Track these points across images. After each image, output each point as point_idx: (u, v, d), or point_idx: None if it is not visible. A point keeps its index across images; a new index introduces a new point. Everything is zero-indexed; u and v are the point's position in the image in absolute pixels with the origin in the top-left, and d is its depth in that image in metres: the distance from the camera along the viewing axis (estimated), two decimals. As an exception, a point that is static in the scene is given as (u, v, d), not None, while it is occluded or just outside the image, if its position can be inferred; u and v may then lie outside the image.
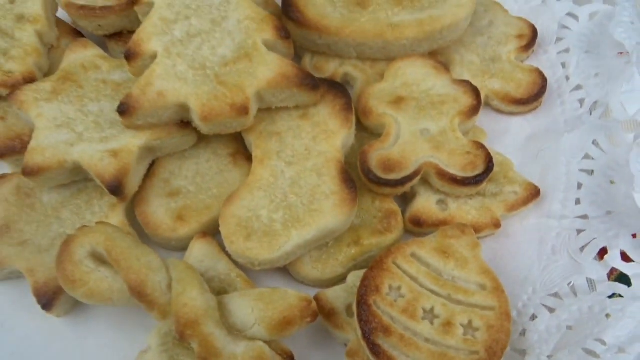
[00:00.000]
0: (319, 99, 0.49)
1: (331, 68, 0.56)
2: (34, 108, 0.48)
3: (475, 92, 0.51)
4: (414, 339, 0.40)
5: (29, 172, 0.46)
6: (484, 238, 0.50)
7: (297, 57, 0.57)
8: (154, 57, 0.46)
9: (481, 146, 0.48)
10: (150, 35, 0.47)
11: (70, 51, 0.51)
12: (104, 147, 0.46)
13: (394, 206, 0.49)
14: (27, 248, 0.47)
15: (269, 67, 0.46)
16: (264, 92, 0.46)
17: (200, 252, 0.47)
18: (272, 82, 0.46)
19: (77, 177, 0.49)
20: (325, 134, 0.48)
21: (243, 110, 0.45)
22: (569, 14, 0.59)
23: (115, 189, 0.46)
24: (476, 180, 0.47)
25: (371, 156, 0.48)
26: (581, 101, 0.55)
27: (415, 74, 0.52)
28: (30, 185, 0.49)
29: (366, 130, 0.52)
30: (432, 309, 0.41)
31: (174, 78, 0.45)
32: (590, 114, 0.53)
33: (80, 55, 0.51)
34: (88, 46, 0.51)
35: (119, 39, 0.57)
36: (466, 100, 0.50)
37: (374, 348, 0.40)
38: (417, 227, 0.49)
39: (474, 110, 0.50)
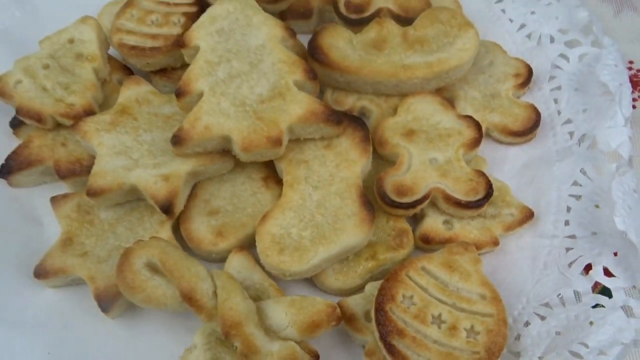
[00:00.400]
0: (341, 131, 0.56)
1: (350, 102, 0.63)
2: (95, 137, 0.55)
3: (477, 126, 0.58)
4: (424, 340, 0.47)
5: (92, 193, 0.53)
6: (484, 254, 0.56)
7: (320, 92, 0.65)
8: (200, 95, 0.54)
9: (482, 174, 0.55)
10: (197, 76, 0.54)
11: (126, 87, 0.58)
12: (157, 172, 0.54)
13: (406, 225, 0.56)
14: (88, 258, 0.54)
15: (300, 104, 0.53)
16: (295, 126, 0.53)
17: (237, 263, 0.54)
18: (302, 117, 0.53)
19: (131, 197, 0.56)
20: (346, 162, 0.55)
21: (277, 142, 0.52)
22: (561, 55, 0.65)
23: (167, 208, 0.53)
24: (478, 204, 0.54)
25: (386, 182, 0.55)
26: (571, 134, 0.61)
27: (424, 110, 0.59)
28: (90, 203, 0.56)
29: (382, 158, 0.59)
30: (439, 315, 0.48)
31: (218, 114, 0.53)
32: (579, 145, 0.59)
33: (134, 91, 0.58)
34: (141, 83, 0.59)
35: (164, 74, 0.64)
36: (469, 134, 0.57)
37: (390, 348, 0.46)
38: (426, 244, 0.56)
39: (476, 142, 0.57)
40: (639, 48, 0.70)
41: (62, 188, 0.60)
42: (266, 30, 0.57)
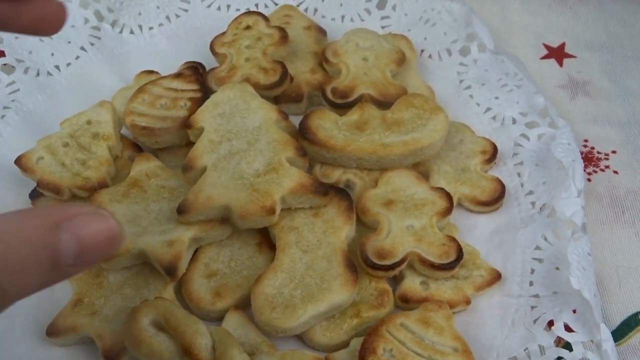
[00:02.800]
0: (328, 201, 0.63)
1: (336, 175, 0.70)
2: (108, 207, 0.62)
3: (448, 197, 0.65)
4: (403, 390, 0.51)
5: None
6: (457, 312, 0.62)
7: (310, 167, 0.73)
8: (204, 170, 0.61)
9: (453, 239, 0.62)
10: (201, 153, 0.62)
11: (137, 163, 0.65)
12: (163, 238, 0.60)
13: (387, 286, 0.62)
14: (96, 318, 0.59)
15: (291, 178, 0.61)
16: (287, 197, 0.61)
17: (234, 321, 0.59)
18: (293, 189, 0.60)
19: (138, 261, 0.62)
20: (333, 229, 0.62)
21: (271, 210, 0.59)
22: (522, 135, 0.73)
23: (171, 271, 0.59)
24: (449, 266, 0.60)
25: (368, 246, 0.62)
26: (533, 203, 0.68)
27: (402, 182, 0.67)
28: (100, 266, 0.62)
29: (364, 225, 0.66)
30: (416, 367, 0.53)
31: (219, 186, 0.60)
32: (540, 213, 0.66)
33: (145, 167, 0.65)
34: (150, 159, 0.66)
35: (170, 151, 0.71)
36: (441, 204, 0.65)
37: (372, 397, 0.51)
38: (405, 303, 0.61)
39: (447, 211, 0.64)
40: (593, 128, 0.79)
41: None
42: (262, 113, 0.66)
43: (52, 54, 0.83)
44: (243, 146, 0.62)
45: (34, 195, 0.68)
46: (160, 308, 0.55)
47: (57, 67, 0.83)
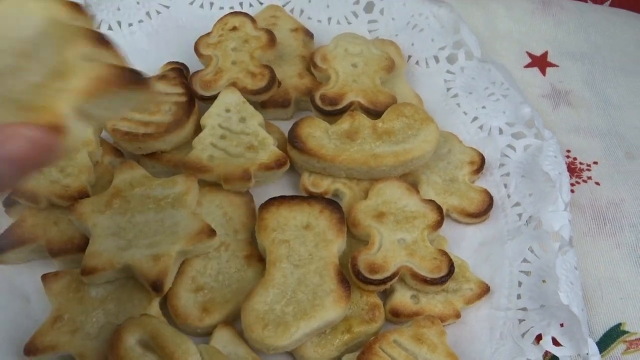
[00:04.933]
0: (153, 92, 0.43)
1: (325, 185, 0.69)
2: (90, 219, 0.59)
3: (439, 210, 0.65)
4: (398, 409, 0.51)
5: (86, 273, 0.56)
6: (447, 326, 0.62)
7: (297, 175, 0.71)
8: None
9: (445, 253, 0.62)
10: None
11: (120, 171, 0.63)
12: (149, 251, 0.57)
13: (378, 300, 0.61)
14: (77, 335, 0.56)
15: (83, 74, 0.39)
16: (84, 105, 0.39)
17: (223, 338, 0.57)
18: (89, 89, 0.38)
19: (121, 275, 0.59)
20: (324, 242, 0.61)
21: (58, 129, 0.37)
22: (509, 146, 0.73)
23: (157, 287, 0.56)
24: (441, 281, 0.60)
25: (360, 260, 0.61)
26: (519, 215, 0.68)
27: (392, 194, 0.66)
28: (80, 281, 0.59)
29: (354, 237, 0.65)
30: (410, 385, 0.53)
31: None
32: (527, 225, 0.66)
33: (128, 175, 0.63)
34: (134, 167, 0.63)
35: (153, 156, 0.69)
36: (432, 217, 0.64)
37: (367, 417, 0.51)
38: (396, 317, 0.61)
39: (438, 224, 0.64)
40: (575, 138, 0.81)
41: (49, 263, 0.63)
42: (40, 13, 0.41)
43: (24, 52, 0.78)
44: (8, 61, 0.39)
45: (9, 203, 0.64)
46: (147, 326, 0.53)
47: (29, 65, 0.78)
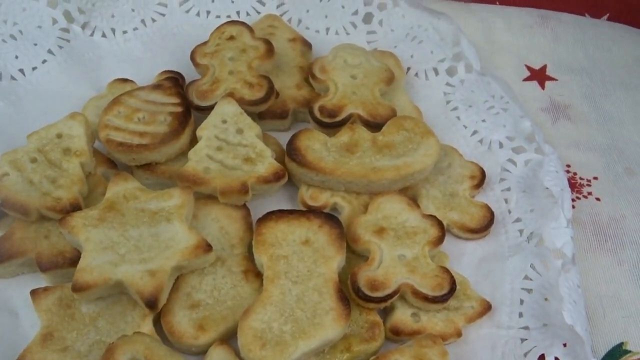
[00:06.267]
0: None
1: (324, 198, 0.68)
2: (82, 232, 0.57)
3: (440, 225, 0.64)
4: None
5: (78, 289, 0.54)
6: (448, 345, 0.60)
7: (295, 188, 0.70)
8: None
9: (446, 270, 0.61)
10: None
11: (114, 184, 0.61)
12: (143, 267, 0.56)
13: (377, 318, 0.59)
14: (68, 353, 0.54)
15: None
16: None
17: (218, 357, 0.55)
18: None
19: (114, 291, 0.57)
20: (324, 259, 0.59)
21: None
22: (509, 160, 0.72)
23: (152, 304, 0.55)
24: (443, 299, 0.59)
25: (360, 276, 0.59)
26: (521, 231, 0.67)
27: (392, 209, 0.65)
28: (71, 297, 0.57)
29: (353, 253, 0.64)
30: (412, 408, 0.51)
31: None
32: (528, 242, 0.65)
33: (122, 187, 0.61)
34: (128, 179, 0.61)
35: (147, 168, 0.67)
36: (433, 232, 0.63)
37: None
38: (396, 335, 0.59)
39: (439, 240, 0.63)
40: (575, 153, 0.80)
41: (38, 278, 0.61)
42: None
43: (16, 57, 0.76)
44: None
45: (-2, 215, 0.62)
46: (140, 345, 0.51)
47: (21, 71, 0.76)
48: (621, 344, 0.63)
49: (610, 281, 0.68)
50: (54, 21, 0.80)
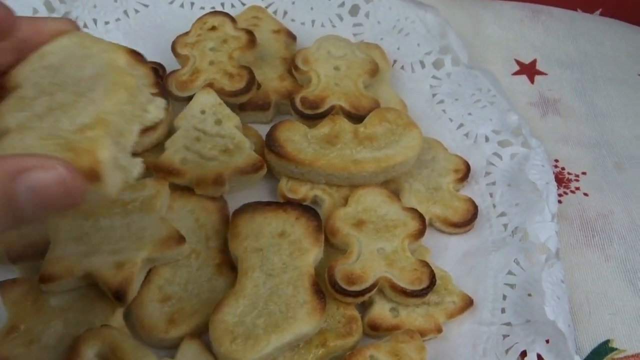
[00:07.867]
0: None
1: (303, 191, 0.66)
2: (52, 222, 0.56)
3: (421, 218, 0.62)
4: None
5: (45, 280, 0.53)
6: (428, 341, 0.59)
7: (275, 180, 0.69)
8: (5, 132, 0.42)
9: (426, 264, 0.59)
10: (3, 114, 0.43)
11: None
12: (112, 258, 0.54)
13: (355, 313, 0.58)
14: (34, 347, 0.52)
15: None
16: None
17: (190, 351, 0.54)
18: None
19: (83, 283, 0.56)
20: (300, 251, 0.58)
21: (95, 175, 0.39)
22: (495, 154, 0.71)
23: (120, 296, 0.53)
24: (422, 293, 0.57)
25: (337, 270, 0.58)
26: (505, 225, 0.66)
27: (373, 201, 0.63)
28: (39, 289, 0.56)
29: (332, 245, 0.62)
30: (386, 404, 0.50)
31: (19, 150, 0.40)
32: (512, 236, 0.64)
33: (94, 178, 0.59)
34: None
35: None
36: (414, 225, 0.62)
37: None
38: (374, 330, 0.58)
39: (420, 233, 0.61)
40: (563, 148, 0.78)
41: (9, 270, 0.59)
42: (105, 57, 0.47)
43: (-6, 47, 0.75)
44: (69, 99, 0.43)
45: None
46: (107, 338, 0.50)
47: (-1, 61, 0.75)
48: (607, 342, 0.62)
49: (597, 278, 0.66)
50: (35, 11, 0.79)
